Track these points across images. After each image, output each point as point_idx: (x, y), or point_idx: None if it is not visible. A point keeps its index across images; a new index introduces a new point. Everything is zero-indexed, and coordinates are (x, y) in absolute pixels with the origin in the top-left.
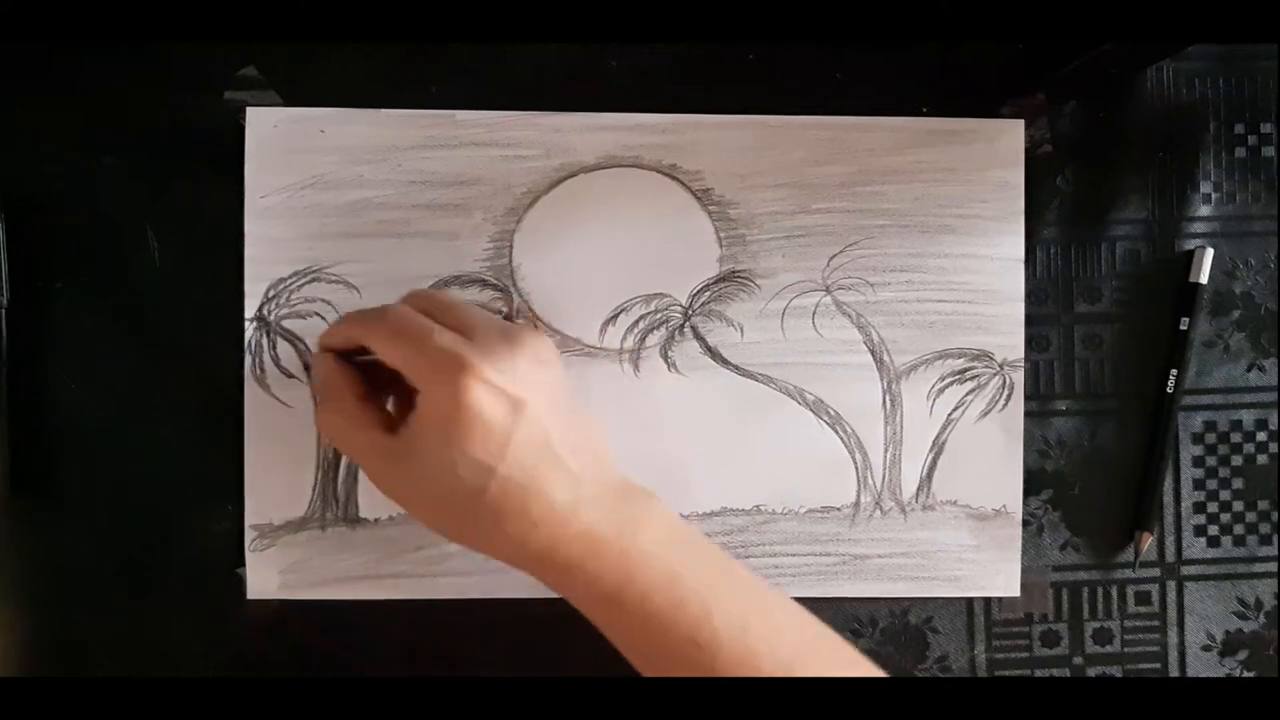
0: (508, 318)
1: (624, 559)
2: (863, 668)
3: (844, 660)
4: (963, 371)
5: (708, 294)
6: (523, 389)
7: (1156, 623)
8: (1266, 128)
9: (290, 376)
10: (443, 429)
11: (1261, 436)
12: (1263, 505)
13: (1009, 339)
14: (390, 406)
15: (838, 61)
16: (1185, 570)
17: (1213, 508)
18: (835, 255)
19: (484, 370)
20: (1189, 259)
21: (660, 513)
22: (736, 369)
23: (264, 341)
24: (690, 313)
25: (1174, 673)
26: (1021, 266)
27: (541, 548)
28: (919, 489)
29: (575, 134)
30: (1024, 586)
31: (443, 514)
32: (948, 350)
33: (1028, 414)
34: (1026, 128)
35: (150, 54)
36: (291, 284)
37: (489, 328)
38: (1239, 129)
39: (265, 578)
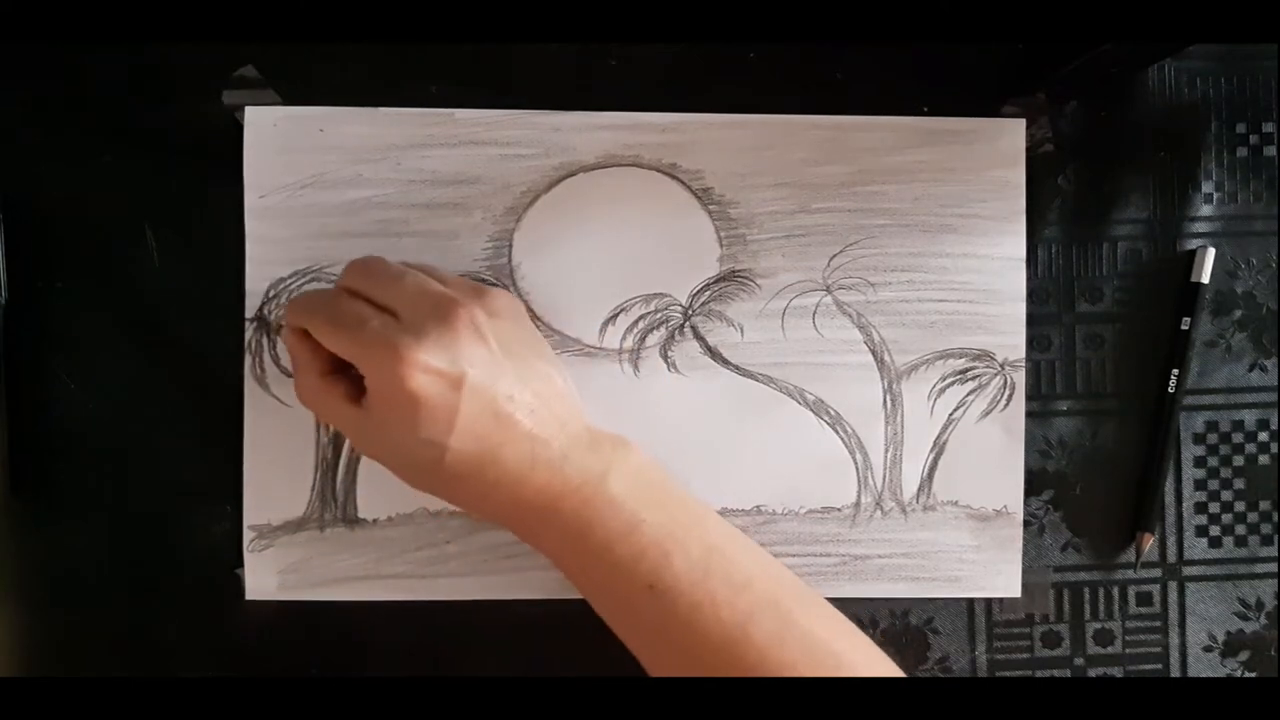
0: None
1: (586, 509)
2: (828, 615)
3: (809, 609)
4: (964, 371)
5: (708, 294)
6: (460, 364)
7: (1158, 623)
8: (1268, 127)
9: (290, 376)
10: (390, 413)
11: (1263, 437)
12: (1264, 506)
13: (1010, 339)
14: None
15: (838, 61)
16: (1186, 571)
17: (1214, 508)
18: (836, 255)
19: (417, 355)
20: (1190, 259)
21: (627, 459)
22: (737, 369)
23: (264, 341)
24: (690, 312)
25: (1175, 674)
26: (1023, 266)
27: (502, 507)
28: (920, 489)
29: (575, 133)
30: (1025, 587)
31: (410, 477)
32: (949, 350)
33: (1029, 414)
34: (1027, 127)
35: (150, 54)
36: (291, 284)
37: (420, 304)
38: (1240, 128)
39: (264, 578)
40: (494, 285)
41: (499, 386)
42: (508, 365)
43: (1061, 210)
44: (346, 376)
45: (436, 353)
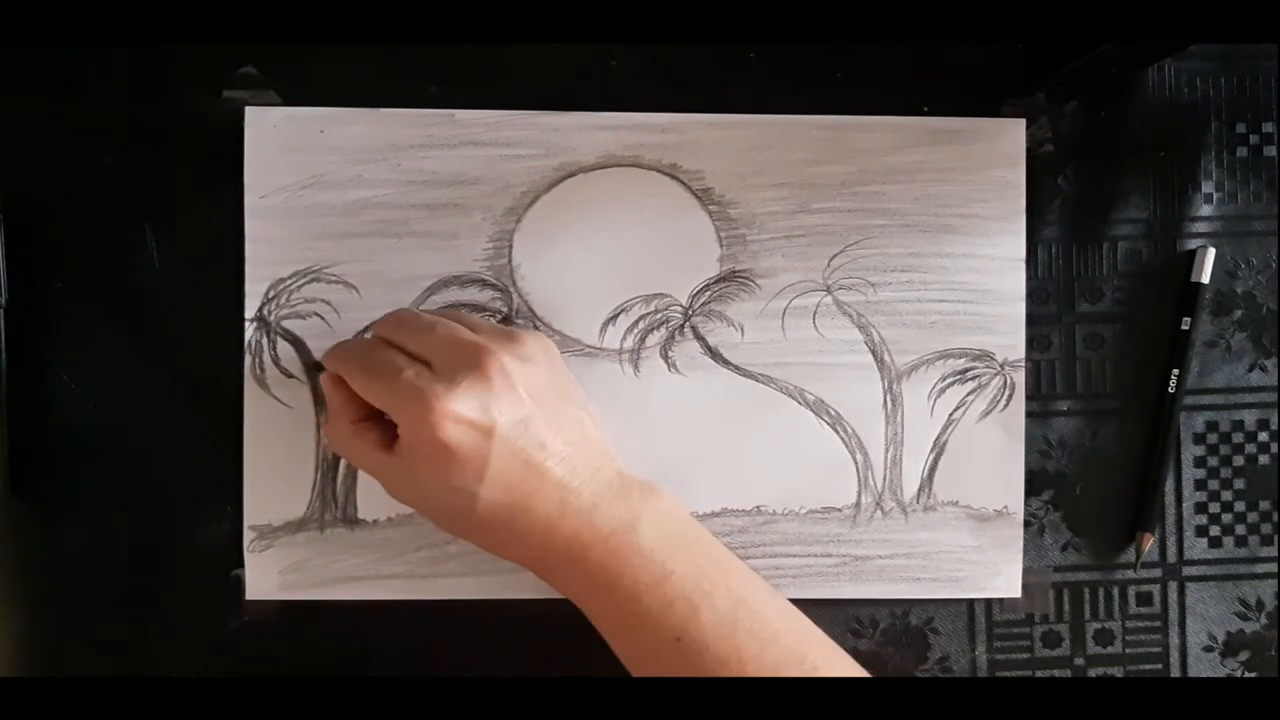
0: (507, 319)
1: (614, 559)
2: (853, 670)
3: (834, 663)
4: (964, 371)
5: (708, 294)
6: (491, 413)
7: (1158, 623)
8: (1268, 127)
9: (290, 377)
10: (421, 461)
11: (1263, 437)
12: (1264, 506)
13: (1010, 339)
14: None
15: (838, 61)
16: (1187, 571)
17: (1214, 508)
18: (836, 255)
19: (449, 405)
20: (1191, 259)
21: (657, 508)
22: (737, 369)
23: (264, 341)
24: (690, 313)
25: (1175, 673)
26: (1023, 266)
27: (532, 552)
28: (920, 489)
29: (575, 133)
30: (1025, 587)
31: (441, 522)
32: (949, 350)
33: (1029, 414)
34: (1027, 127)
35: (150, 54)
36: (291, 284)
37: (452, 353)
38: (1240, 128)
39: (264, 578)
40: (525, 328)
41: (530, 435)
42: (539, 413)
43: (1061, 210)
44: (379, 423)
45: (468, 402)
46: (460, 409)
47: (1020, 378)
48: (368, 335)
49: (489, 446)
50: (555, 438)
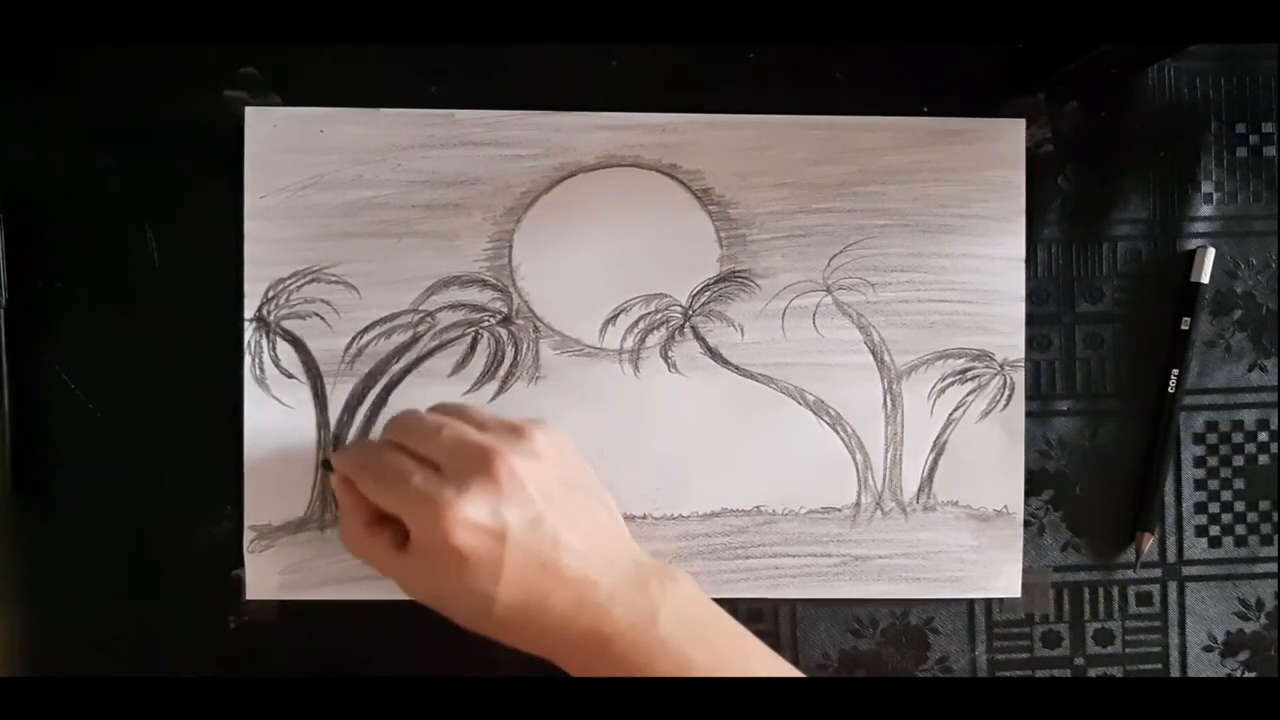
0: (507, 318)
1: (635, 652)
2: None
3: None
4: (964, 371)
5: (708, 294)
6: (502, 516)
7: (1158, 623)
8: (1268, 127)
9: (290, 377)
10: (435, 565)
11: (1263, 437)
12: (1264, 505)
13: (1010, 339)
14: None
15: (838, 61)
16: (1186, 571)
17: (1214, 508)
18: (836, 255)
19: (459, 511)
20: (1190, 259)
21: (676, 596)
22: (737, 369)
23: (264, 342)
24: (690, 313)
25: (1175, 673)
26: (1022, 266)
27: (553, 648)
28: (920, 489)
29: (575, 133)
30: (1025, 587)
31: (459, 620)
32: (948, 350)
33: (1029, 414)
34: (1027, 127)
35: (150, 54)
36: (291, 284)
37: (460, 456)
38: (1240, 128)
39: (264, 578)
40: (532, 422)
41: (543, 534)
42: (550, 510)
43: (1061, 210)
44: (391, 524)
45: (478, 506)
46: (471, 514)
47: (1020, 378)
48: (376, 439)
49: (502, 550)
50: (569, 533)
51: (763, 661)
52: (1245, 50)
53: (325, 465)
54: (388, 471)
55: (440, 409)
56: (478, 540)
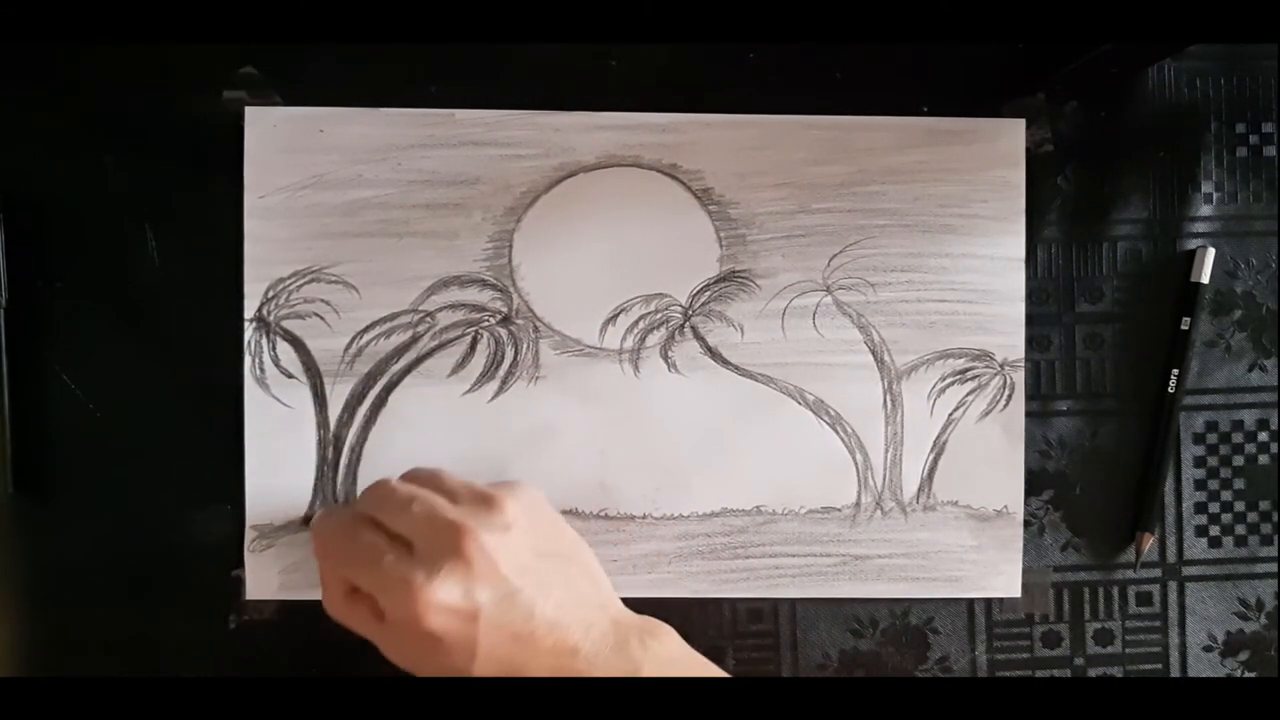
0: (507, 318)
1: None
2: None
3: None
4: (963, 371)
5: (708, 294)
6: (474, 597)
7: (1158, 623)
8: (1268, 127)
9: (290, 377)
10: (411, 644)
11: (1263, 437)
12: (1264, 505)
13: (1010, 339)
14: None
15: (838, 61)
16: (1186, 571)
17: (1214, 508)
18: (835, 255)
19: (431, 594)
20: (1190, 259)
21: (658, 654)
22: (736, 369)
23: (264, 342)
24: (690, 313)
25: (1175, 673)
26: (1022, 266)
27: None
28: (920, 489)
29: (575, 133)
30: (1025, 587)
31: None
32: (948, 350)
33: (1029, 414)
34: (1027, 127)
35: (150, 54)
36: (291, 284)
37: (430, 534)
38: (1240, 128)
39: (265, 578)
40: (504, 486)
41: (517, 609)
42: (525, 582)
43: (1061, 210)
44: (370, 596)
45: (449, 589)
46: (443, 597)
47: (1020, 378)
48: (349, 509)
49: (475, 629)
50: (544, 603)
51: None
52: (1245, 50)
53: (305, 522)
54: (360, 550)
55: (413, 476)
56: (450, 623)
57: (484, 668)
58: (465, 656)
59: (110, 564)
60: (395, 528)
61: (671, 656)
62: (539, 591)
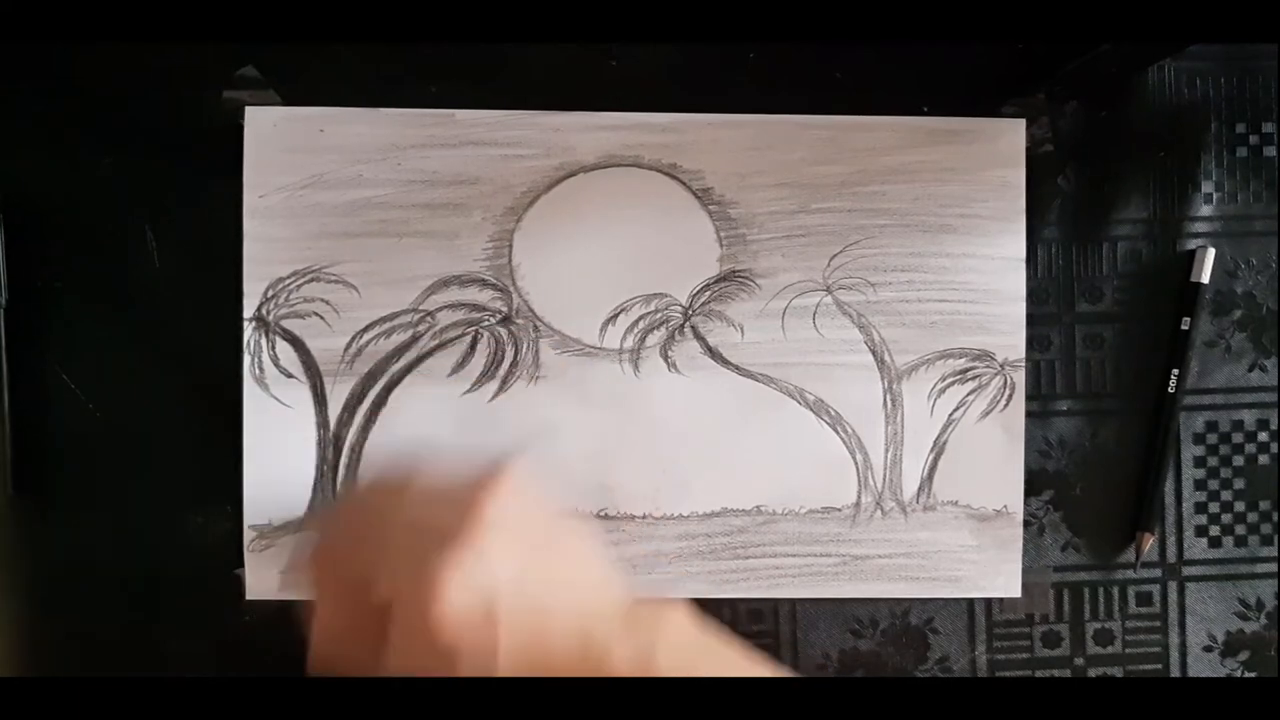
0: (506, 319)
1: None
2: None
3: None
4: (964, 371)
5: (708, 294)
6: (490, 601)
7: (1158, 623)
8: (1268, 127)
9: (290, 376)
10: (426, 658)
11: (1263, 437)
12: (1264, 505)
13: (1010, 339)
14: None
15: (838, 61)
16: (1186, 571)
17: (1214, 508)
18: (836, 255)
19: (444, 605)
20: (1190, 259)
21: (669, 632)
22: (737, 369)
23: (263, 341)
24: (690, 313)
25: (1175, 673)
26: (1023, 266)
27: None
28: (920, 489)
29: (575, 133)
30: (1025, 587)
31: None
32: (949, 350)
33: (1029, 414)
34: (1027, 127)
35: (150, 54)
36: (290, 284)
37: (431, 540)
38: (1240, 128)
39: (264, 578)
40: (488, 483)
41: (530, 605)
42: (530, 576)
43: (1061, 210)
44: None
45: (462, 596)
46: (457, 606)
47: (1020, 378)
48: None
49: (495, 633)
50: (553, 597)
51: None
52: (1245, 50)
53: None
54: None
55: (398, 471)
56: (467, 631)
57: (506, 668)
58: (487, 660)
59: (110, 564)
60: (391, 536)
61: (682, 628)
62: (545, 586)
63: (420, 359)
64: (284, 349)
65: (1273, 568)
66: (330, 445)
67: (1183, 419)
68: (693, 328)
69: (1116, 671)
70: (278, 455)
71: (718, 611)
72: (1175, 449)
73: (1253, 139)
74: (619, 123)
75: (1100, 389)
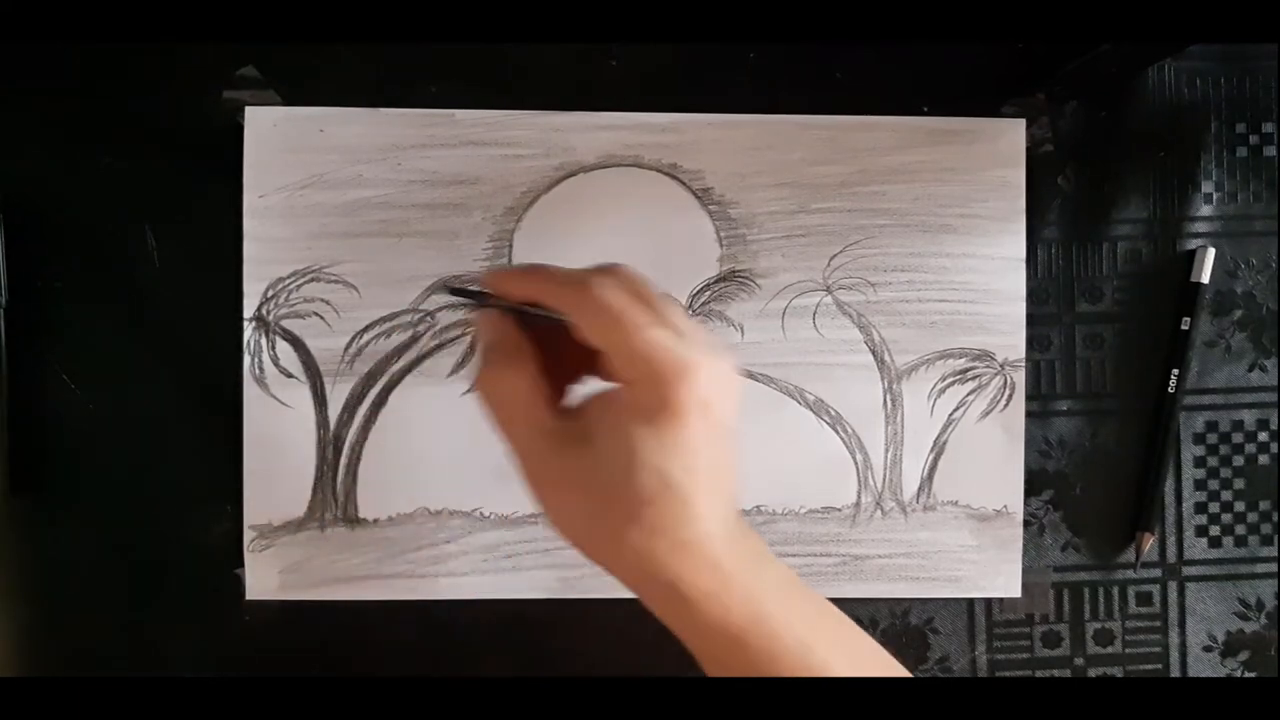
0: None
1: (750, 599)
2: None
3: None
4: (964, 371)
5: (708, 294)
6: (727, 407)
7: (1158, 623)
8: (1268, 127)
9: (290, 376)
10: (640, 427)
11: (1263, 437)
12: (1264, 505)
13: (1010, 339)
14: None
15: (838, 61)
16: (1186, 571)
17: (1214, 508)
18: (836, 255)
19: (700, 383)
20: (1190, 259)
21: (769, 552)
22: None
23: (263, 341)
24: (690, 312)
25: (1175, 673)
26: (1023, 266)
27: (674, 574)
28: (920, 489)
29: (575, 133)
30: (1025, 587)
31: (590, 517)
32: (949, 350)
33: (1029, 414)
34: (1027, 127)
35: (150, 54)
36: (290, 284)
37: (696, 333)
38: (1240, 128)
39: (264, 578)
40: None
41: (725, 443)
42: (732, 426)
43: (1061, 210)
44: (550, 378)
45: (716, 384)
46: (708, 391)
47: (1020, 378)
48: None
49: (708, 438)
50: (731, 456)
51: (832, 617)
52: (1245, 50)
53: (459, 293)
54: (624, 315)
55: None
56: (699, 420)
57: (680, 486)
58: (682, 463)
59: (110, 564)
60: (656, 314)
61: (778, 562)
62: (730, 446)
63: (420, 359)
64: (284, 349)
65: (1273, 568)
66: (330, 445)
67: (1183, 419)
68: None
69: (1116, 671)
70: (278, 455)
71: None
72: (1175, 449)
73: (1253, 139)
74: (619, 123)
75: (1100, 389)
